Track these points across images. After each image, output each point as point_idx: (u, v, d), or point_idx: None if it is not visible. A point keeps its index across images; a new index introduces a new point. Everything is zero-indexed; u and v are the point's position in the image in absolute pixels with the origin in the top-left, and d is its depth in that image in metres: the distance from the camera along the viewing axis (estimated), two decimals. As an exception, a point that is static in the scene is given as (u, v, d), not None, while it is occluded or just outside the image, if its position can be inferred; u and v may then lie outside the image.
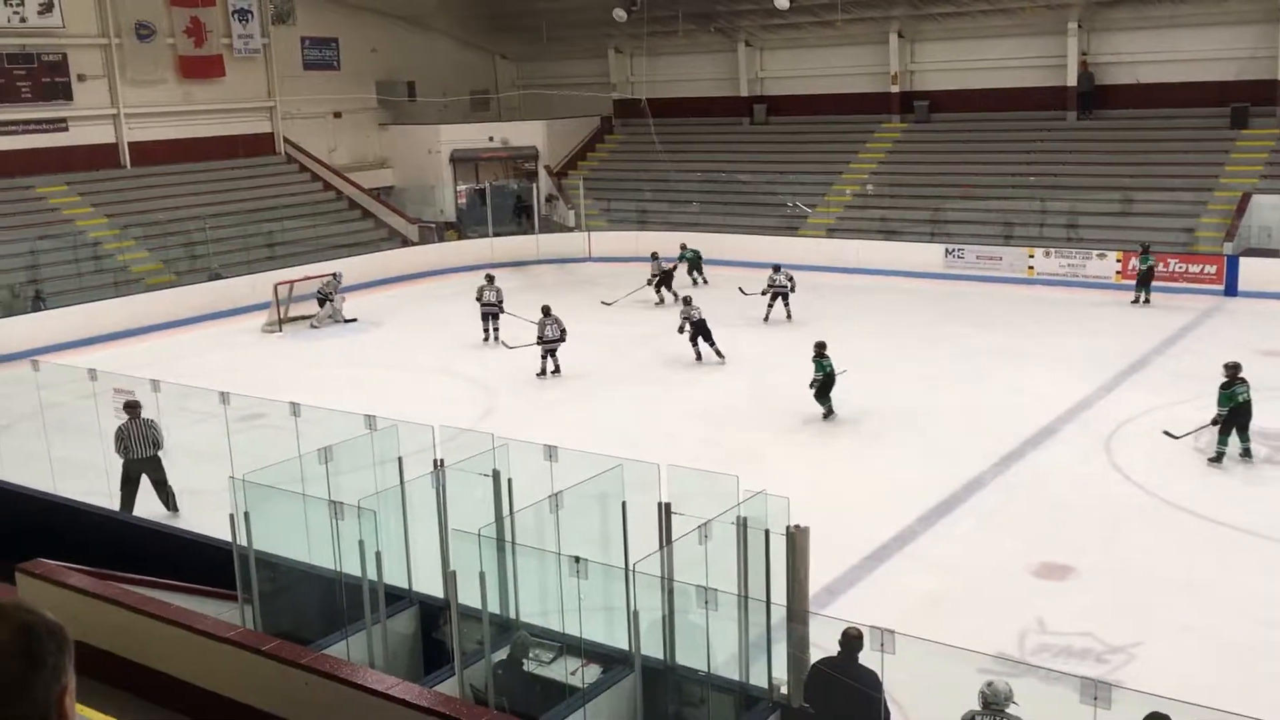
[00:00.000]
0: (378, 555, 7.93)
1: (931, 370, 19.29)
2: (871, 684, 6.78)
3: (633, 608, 7.14)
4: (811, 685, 7.32)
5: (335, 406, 12.43)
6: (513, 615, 8.19)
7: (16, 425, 15.93)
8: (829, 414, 16.71)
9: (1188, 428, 14.82)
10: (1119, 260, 26.01)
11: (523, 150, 36.56)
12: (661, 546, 7.48)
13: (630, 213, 33.84)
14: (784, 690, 7.46)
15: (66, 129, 29.56)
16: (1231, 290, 24.71)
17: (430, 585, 8.62)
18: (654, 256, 26.87)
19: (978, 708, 6.92)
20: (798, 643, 7.44)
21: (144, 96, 30.86)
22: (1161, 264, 25.57)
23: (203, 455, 13.61)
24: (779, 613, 7.45)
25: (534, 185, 35.34)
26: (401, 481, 8.65)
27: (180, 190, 30.36)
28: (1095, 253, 26.28)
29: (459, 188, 36.22)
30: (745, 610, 7.42)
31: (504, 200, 35.32)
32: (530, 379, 19.78)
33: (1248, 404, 14.14)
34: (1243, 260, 25.09)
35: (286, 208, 31.41)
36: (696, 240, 29.05)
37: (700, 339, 20.04)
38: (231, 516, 8.41)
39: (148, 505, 13.57)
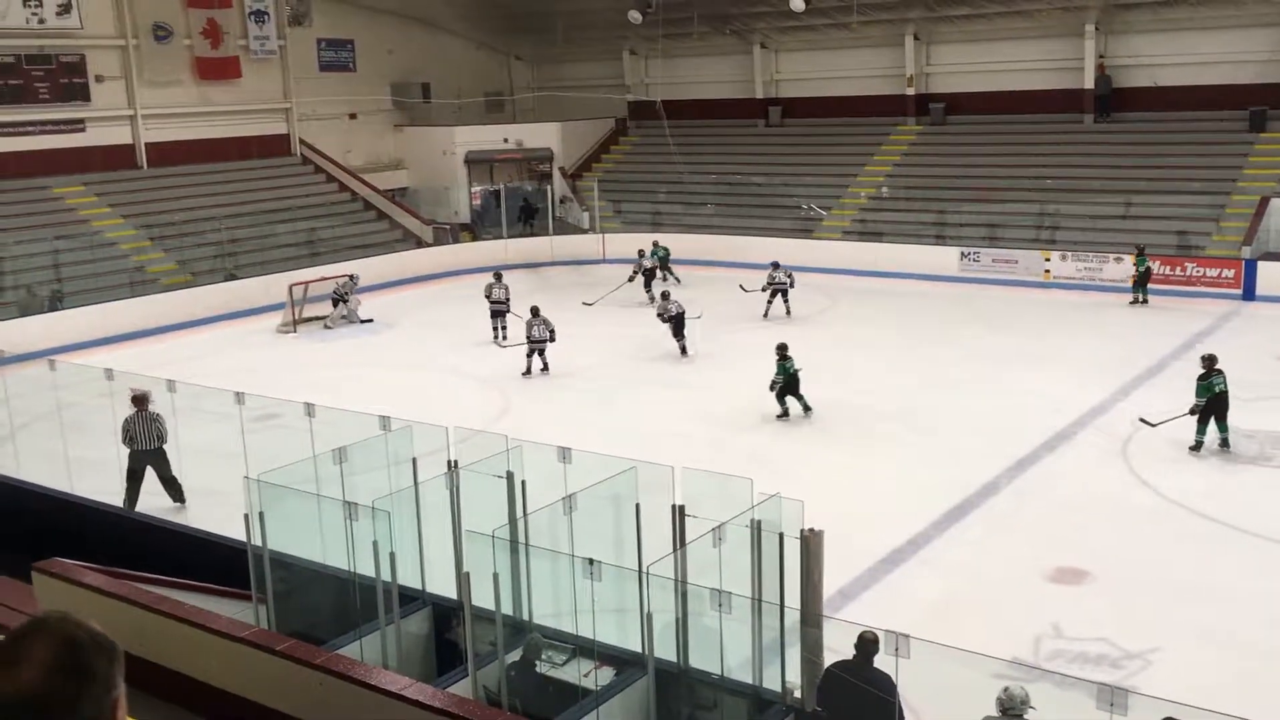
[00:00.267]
0: (392, 556, 7.94)
1: (946, 373, 19.23)
2: (886, 688, 6.75)
3: (646, 610, 7.13)
4: (825, 689, 7.30)
5: (350, 407, 12.46)
6: (526, 617, 8.19)
7: (33, 424, 16.00)
8: (784, 415, 16.87)
9: (1164, 416, 15.07)
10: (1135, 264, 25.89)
11: (537, 152, 36.60)
12: (675, 549, 7.47)
13: (644, 215, 33.85)
14: (797, 694, 7.44)
15: (84, 130, 29.71)
16: (1250, 294, 24.57)
17: (444, 586, 8.62)
18: (641, 254, 27.33)
19: (995, 713, 6.88)
20: (811, 647, 7.42)
21: (161, 97, 31.00)
22: (1179, 268, 25.48)
23: (218, 455, 13.65)
24: (793, 616, 7.43)
25: (548, 187, 35.38)
26: (416, 482, 8.66)
27: (196, 191, 30.47)
28: (1112, 256, 26.15)
29: (474, 189, 36.26)
30: (759, 614, 7.41)
31: (518, 202, 35.34)
32: (545, 380, 19.81)
33: (1224, 394, 14.51)
34: (1261, 264, 24.93)
35: (302, 209, 31.51)
36: (708, 243, 29.09)
37: (677, 333, 20.73)
38: (246, 516, 8.43)
39: (154, 499, 13.68)
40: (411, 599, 8.49)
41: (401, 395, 18.09)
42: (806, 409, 16.92)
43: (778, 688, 7.49)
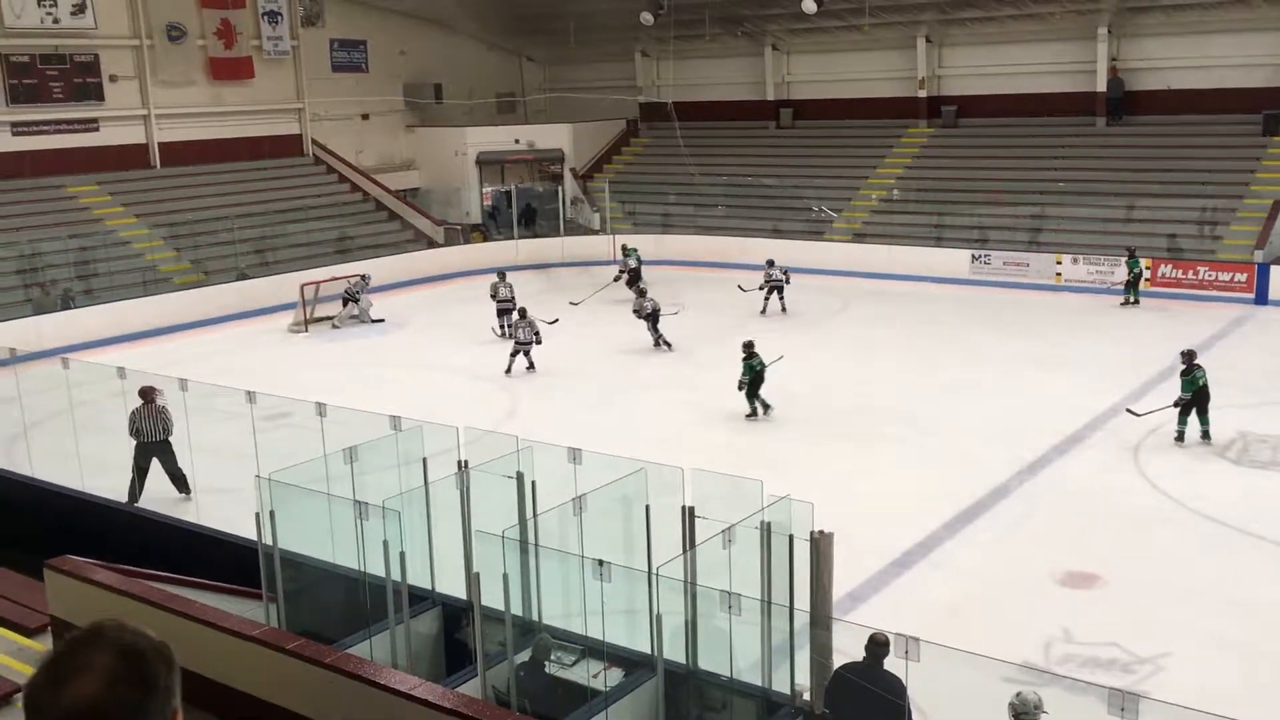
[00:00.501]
0: (401, 556, 7.96)
1: (957, 376, 19.20)
2: (896, 690, 6.74)
3: (655, 611, 7.12)
4: (832, 690, 7.28)
5: (360, 407, 12.49)
6: (535, 617, 8.19)
7: (46, 422, 16.07)
8: (753, 414, 17.00)
9: (1150, 408, 15.47)
10: (1148, 267, 25.81)
11: (549, 153, 36.63)
12: (685, 550, 7.47)
13: (655, 216, 33.86)
14: (806, 696, 7.43)
15: (97, 129, 29.83)
16: (1262, 299, 24.45)
17: (453, 586, 8.64)
18: (625, 252, 27.86)
19: (1008, 719, 6.85)
20: (821, 649, 7.41)
21: (174, 97, 31.11)
22: (1191, 272, 25.41)
23: (229, 454, 13.69)
24: (802, 618, 7.43)
25: (559, 188, 35.41)
26: (426, 482, 8.68)
27: (209, 190, 30.57)
28: (1124, 260, 26.05)
29: (485, 190, 36.31)
30: (768, 615, 7.40)
31: (529, 203, 35.37)
32: (553, 381, 19.84)
33: (1206, 387, 15.03)
34: (1274, 268, 24.80)
35: (313, 209, 31.59)
36: (719, 244, 29.06)
37: (652, 328, 21.61)
38: (257, 515, 8.45)
39: (159, 487, 13.78)
40: (421, 599, 8.51)
41: (412, 395, 18.12)
42: (766, 408, 17.11)
43: (787, 690, 7.49)
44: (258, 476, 8.45)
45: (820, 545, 7.29)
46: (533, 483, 8.44)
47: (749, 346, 17.10)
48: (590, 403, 18.63)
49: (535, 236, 33.82)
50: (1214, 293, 24.94)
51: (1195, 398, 15.01)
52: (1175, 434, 15.17)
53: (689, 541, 7.56)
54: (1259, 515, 12.93)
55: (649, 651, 7.38)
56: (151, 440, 13.83)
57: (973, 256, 28.11)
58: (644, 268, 27.48)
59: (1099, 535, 12.57)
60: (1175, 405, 15.14)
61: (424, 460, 8.89)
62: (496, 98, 39.52)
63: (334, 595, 8.94)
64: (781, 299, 24.64)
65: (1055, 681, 8.72)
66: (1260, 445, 15.11)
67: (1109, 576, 11.49)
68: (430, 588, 8.64)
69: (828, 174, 33.19)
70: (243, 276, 28.02)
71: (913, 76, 33.53)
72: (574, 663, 7.84)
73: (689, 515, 7.67)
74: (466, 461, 8.72)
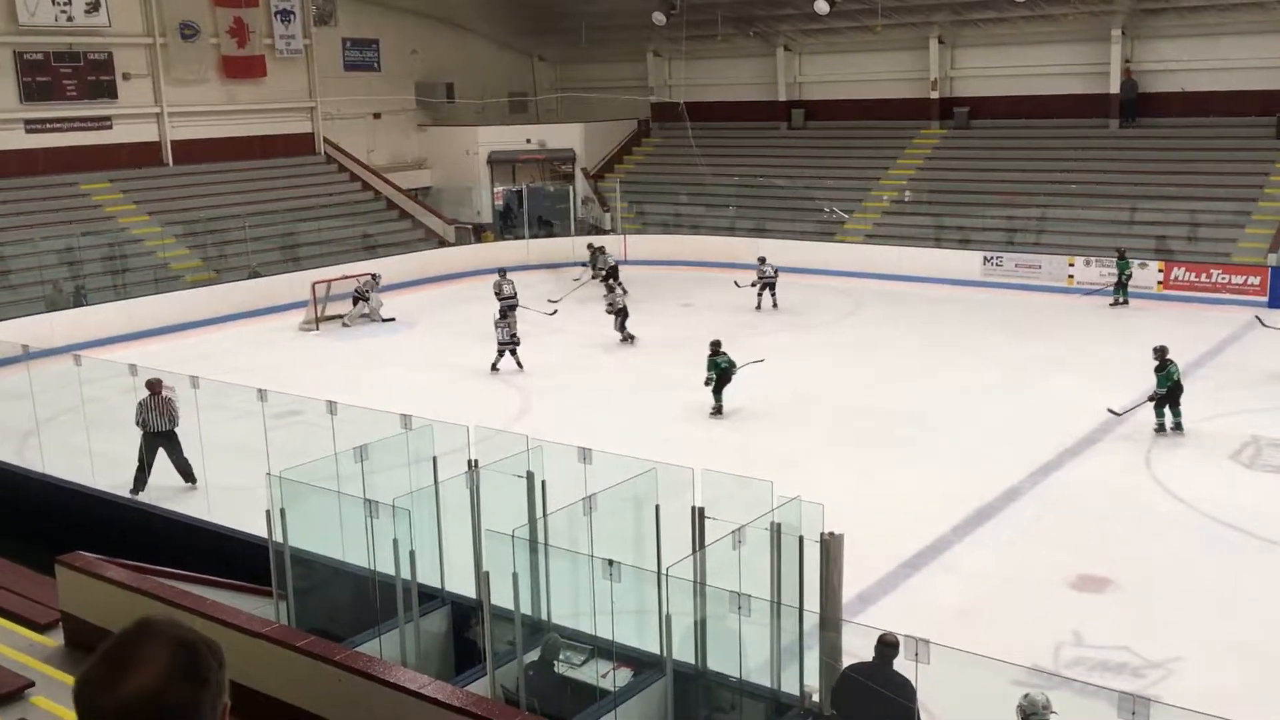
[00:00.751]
0: (411, 554, 7.97)
1: (969, 378, 19.14)
2: (905, 691, 6.72)
3: (665, 612, 7.12)
4: (839, 691, 7.27)
5: (371, 405, 12.51)
6: (545, 617, 8.20)
7: (58, 419, 16.12)
8: (718, 411, 17.31)
9: (1128, 405, 16.00)
10: (1161, 270, 25.73)
11: (560, 152, 36.64)
12: (695, 551, 7.46)
13: (666, 216, 33.84)
14: (816, 698, 7.42)
15: (111, 127, 29.93)
16: (1276, 302, 24.30)
17: (463, 585, 8.65)
18: (601, 251, 28.20)
19: (1015, 720, 6.83)
20: (830, 650, 7.40)
21: (187, 95, 31.20)
22: (1204, 275, 25.31)
23: (240, 451, 13.73)
24: (811, 620, 7.41)
25: (570, 188, 35.42)
26: (436, 481, 8.68)
27: (221, 189, 30.65)
28: (1136, 262, 25.97)
29: (496, 189, 36.35)
30: (778, 616, 7.39)
31: (540, 202, 35.40)
32: (564, 381, 19.86)
33: (1180, 382, 15.74)
34: (1288, 271, 24.73)
35: (325, 207, 31.64)
36: (729, 245, 29.05)
37: (621, 325, 22.33)
38: (268, 513, 8.47)
39: (165, 479, 13.78)
40: (431, 597, 8.52)
41: (422, 394, 18.14)
42: (717, 409, 17.39)
43: (796, 691, 7.48)
44: (269, 474, 8.47)
45: (830, 546, 7.27)
46: (543, 482, 8.44)
47: (715, 345, 17.55)
48: (601, 403, 18.62)
49: (548, 236, 33.85)
50: (1227, 295, 24.83)
51: (1170, 391, 15.66)
52: (1155, 426, 15.84)
53: (699, 542, 7.56)
54: (1271, 519, 12.86)
55: (658, 652, 7.38)
56: (158, 430, 14.03)
57: (985, 258, 28.03)
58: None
59: (1110, 538, 12.52)
60: (1151, 400, 15.79)
61: (434, 459, 8.90)
62: (508, 97, 39.55)
63: (344, 593, 8.95)
64: (773, 294, 25.22)
65: (1065, 685, 8.69)
66: (1273, 449, 15.04)
67: (1120, 579, 11.45)
68: (440, 586, 8.65)
69: (839, 175, 33.13)
70: (254, 275, 28.09)
71: (925, 78, 33.45)
72: (583, 662, 7.85)
73: (699, 516, 7.67)
74: (477, 461, 8.73)
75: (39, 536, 10.05)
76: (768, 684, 7.53)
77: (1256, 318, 19.99)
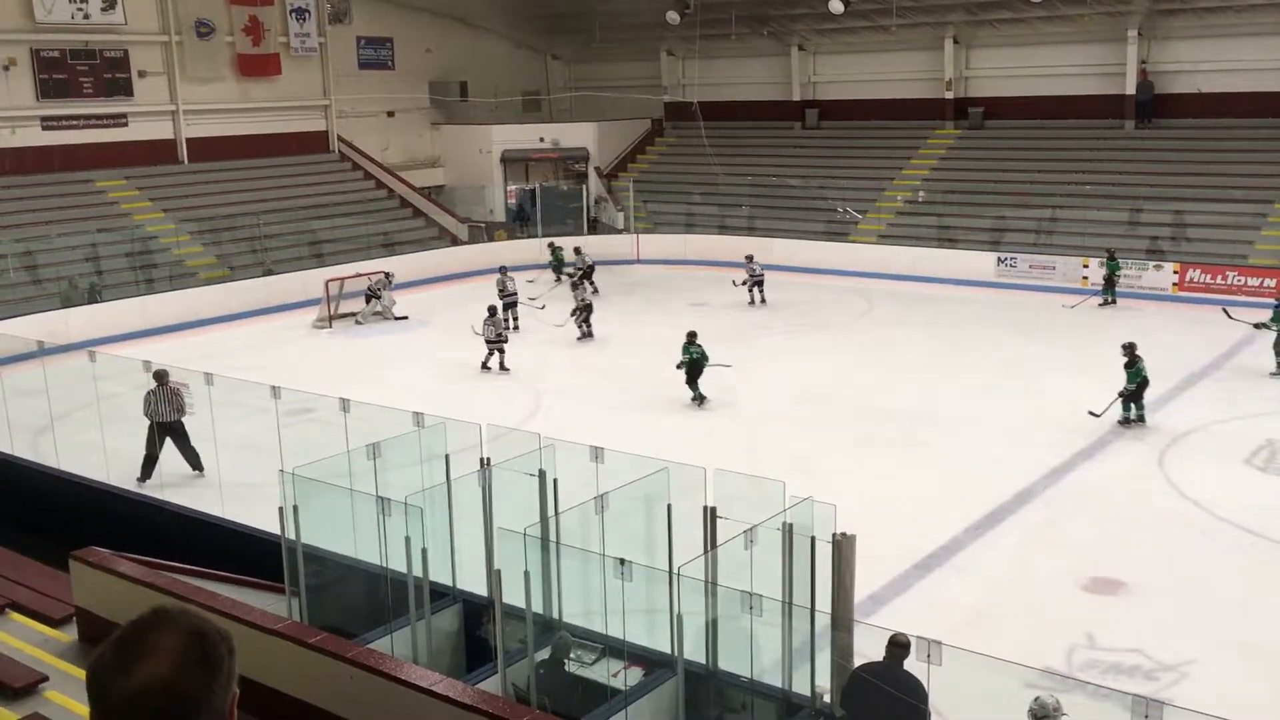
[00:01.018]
0: (423, 552, 7.97)
1: (983, 379, 19.09)
2: (916, 691, 6.70)
3: (676, 611, 7.11)
4: (850, 691, 7.25)
5: (383, 403, 12.53)
6: (556, 615, 8.20)
7: (73, 415, 16.20)
8: (698, 399, 17.80)
9: (1104, 403, 16.30)
10: (1175, 271, 25.61)
11: (573, 151, 36.66)
12: (706, 550, 7.45)
13: (679, 216, 33.82)
14: (827, 698, 7.40)
15: (126, 124, 30.06)
16: (1293, 303, 24.16)
17: (474, 583, 8.65)
18: (577, 251, 28.41)
19: (1026, 722, 6.80)
20: (842, 651, 7.39)
21: (202, 93, 31.32)
22: (1220, 277, 25.18)
23: (253, 448, 13.76)
24: (823, 620, 7.40)
25: (582, 187, 35.42)
26: (448, 479, 8.69)
27: (236, 186, 30.77)
28: (1151, 264, 25.88)
29: (509, 188, 36.38)
30: (789, 617, 7.38)
31: (553, 201, 35.40)
32: (576, 380, 19.88)
33: (1147, 378, 16.33)
34: (1304, 274, 24.58)
35: (339, 205, 31.73)
36: (743, 245, 28.95)
37: (583, 320, 22.82)
38: (280, 509, 8.49)
39: (177, 469, 13.81)
40: (442, 595, 8.53)
41: (435, 392, 18.18)
42: (694, 398, 17.73)
43: (807, 691, 7.46)
44: (281, 471, 8.49)
45: (842, 547, 7.26)
46: (554, 481, 8.44)
47: (691, 336, 18.11)
48: (613, 402, 18.62)
49: (560, 235, 33.85)
50: (1244, 298, 24.67)
51: (1140, 387, 16.29)
52: (1120, 419, 16.35)
53: (710, 541, 7.55)
54: (1286, 523, 12.80)
55: (669, 651, 7.37)
56: (165, 420, 14.20)
57: (998, 259, 27.95)
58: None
59: (1124, 540, 12.47)
60: (1120, 396, 16.31)
61: (446, 457, 8.91)
62: (522, 96, 39.59)
63: (356, 590, 8.97)
64: (761, 292, 25.63)
65: (1078, 688, 8.66)
66: (1288, 452, 14.96)
67: (1133, 582, 11.40)
68: (451, 584, 8.66)
69: (853, 175, 33.05)
70: (268, 272, 28.18)
71: (940, 78, 33.36)
72: (594, 661, 7.85)
73: (711, 515, 7.66)
74: (489, 459, 8.73)
75: (53, 532, 10.11)
76: (779, 684, 7.52)
77: (1223, 310, 20.72)
